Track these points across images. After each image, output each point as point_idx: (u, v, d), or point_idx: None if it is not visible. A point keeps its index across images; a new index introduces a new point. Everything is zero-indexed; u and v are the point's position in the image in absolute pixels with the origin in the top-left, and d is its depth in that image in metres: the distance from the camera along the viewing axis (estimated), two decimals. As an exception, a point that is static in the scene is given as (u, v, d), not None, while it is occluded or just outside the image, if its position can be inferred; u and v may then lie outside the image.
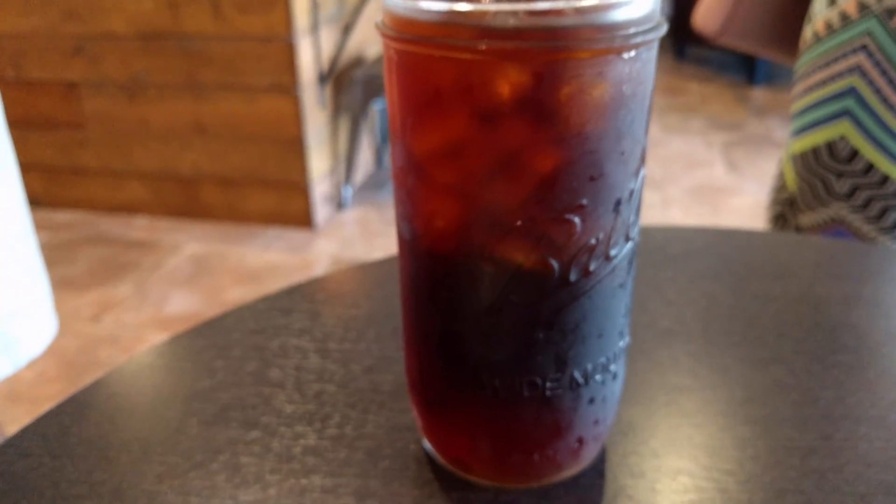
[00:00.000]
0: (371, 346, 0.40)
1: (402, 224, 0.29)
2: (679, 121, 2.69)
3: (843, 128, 0.68)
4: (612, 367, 0.30)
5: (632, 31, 0.23)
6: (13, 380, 1.35)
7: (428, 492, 0.31)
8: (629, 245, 0.28)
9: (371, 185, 2.20)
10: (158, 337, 1.49)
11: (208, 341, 0.41)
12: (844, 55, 0.67)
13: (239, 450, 0.33)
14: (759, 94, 2.98)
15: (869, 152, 0.66)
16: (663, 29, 0.24)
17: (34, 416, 0.36)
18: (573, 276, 0.26)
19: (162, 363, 0.40)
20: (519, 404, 0.28)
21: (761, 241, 0.54)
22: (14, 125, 0.91)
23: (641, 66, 0.24)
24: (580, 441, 0.30)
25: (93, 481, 0.32)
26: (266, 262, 1.81)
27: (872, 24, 0.64)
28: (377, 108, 2.17)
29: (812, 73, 0.71)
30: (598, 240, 0.26)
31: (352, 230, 1.96)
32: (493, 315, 0.27)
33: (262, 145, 1.90)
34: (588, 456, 0.31)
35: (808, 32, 0.72)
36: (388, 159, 2.33)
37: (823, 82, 0.69)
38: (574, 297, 0.27)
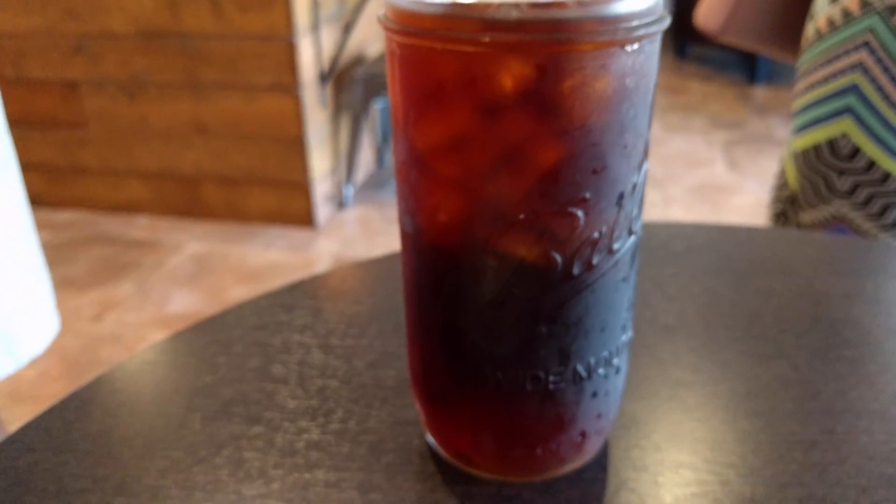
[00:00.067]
0: (374, 342, 0.40)
1: (405, 218, 0.29)
2: (680, 119, 2.69)
3: (845, 125, 0.68)
4: (615, 361, 0.30)
5: (635, 23, 0.23)
6: (15, 379, 1.35)
7: (431, 486, 0.31)
8: (632, 239, 0.28)
9: (372, 185, 2.20)
10: (160, 336, 1.49)
11: (211, 337, 0.41)
12: (846, 52, 0.66)
13: (242, 445, 0.33)
14: (760, 92, 2.97)
15: (870, 149, 0.66)
16: (666, 21, 0.24)
17: (36, 414, 0.36)
18: (576, 270, 0.26)
19: (164, 359, 0.40)
20: (522, 398, 0.28)
21: (763, 237, 0.54)
22: (14, 125, 0.91)
23: (644, 58, 0.24)
24: (583, 435, 0.30)
25: (96, 476, 0.32)
26: (267, 261, 1.81)
27: (875, 21, 0.64)
28: (378, 107, 2.17)
29: (814, 71, 0.71)
30: (601, 233, 0.26)
31: (353, 229, 1.96)
32: (496, 309, 0.27)
33: (263, 144, 1.90)
34: (591, 450, 0.31)
35: (810, 29, 0.72)
36: (389, 158, 2.33)
37: (825, 79, 0.69)
38: (577, 291, 0.27)
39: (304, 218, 1.95)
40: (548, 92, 0.23)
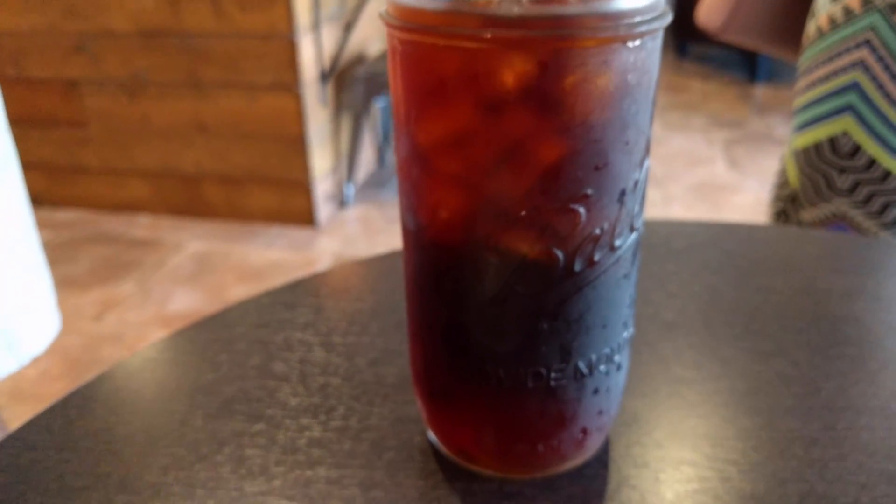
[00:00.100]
0: (375, 340, 0.40)
1: (407, 215, 0.29)
2: (680, 118, 2.69)
3: (846, 123, 0.68)
4: (617, 358, 0.30)
5: (637, 19, 0.23)
6: (17, 378, 1.35)
7: (433, 482, 0.31)
8: (634, 235, 0.28)
9: (373, 183, 2.20)
10: (161, 335, 1.49)
11: (212, 335, 0.41)
12: (847, 50, 0.66)
13: (244, 442, 0.33)
14: (760, 91, 2.97)
15: (871, 148, 0.66)
16: (668, 18, 0.24)
17: (38, 412, 0.36)
18: (578, 267, 0.26)
19: (166, 357, 0.40)
20: (523, 395, 0.29)
21: (763, 234, 0.54)
22: (15, 124, 0.91)
23: (646, 55, 0.24)
24: (584, 431, 0.30)
25: (98, 473, 0.32)
26: (268, 260, 1.81)
27: (876, 19, 0.64)
28: (379, 105, 2.17)
29: (815, 69, 0.71)
30: (602, 230, 0.26)
31: (354, 228, 1.96)
32: (497, 306, 0.27)
33: (264, 143, 1.90)
34: (592, 446, 0.31)
35: (811, 28, 0.72)
36: (389, 157, 2.33)
37: (826, 77, 0.69)
38: (578, 288, 0.27)
39: (305, 217, 1.95)
40: (549, 88, 0.23)
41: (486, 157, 0.25)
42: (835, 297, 0.44)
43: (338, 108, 2.00)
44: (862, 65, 0.65)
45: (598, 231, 0.26)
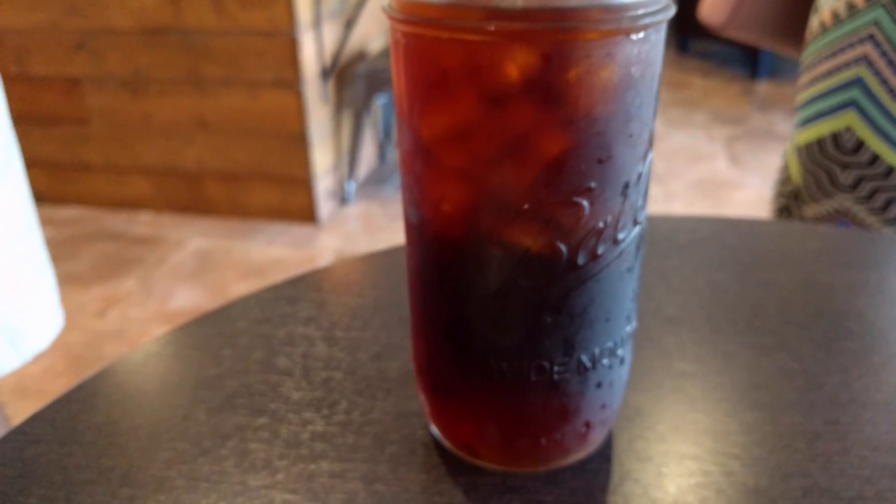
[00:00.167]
0: (378, 334, 0.40)
1: (410, 209, 0.29)
2: (682, 115, 2.68)
3: (849, 119, 0.67)
4: (620, 352, 0.30)
5: (640, 11, 0.23)
6: (20, 374, 1.35)
7: (435, 476, 0.31)
8: (637, 229, 0.28)
9: (374, 180, 2.20)
10: (163, 332, 1.49)
11: (215, 330, 0.41)
12: (851, 45, 0.66)
13: (247, 436, 0.33)
14: (762, 87, 2.97)
15: (874, 143, 0.66)
16: (672, 10, 0.24)
17: (42, 406, 0.36)
18: (581, 260, 0.26)
19: (169, 352, 0.40)
20: (526, 388, 0.29)
21: (766, 229, 0.54)
22: (17, 121, 0.91)
23: (650, 47, 0.24)
24: (587, 425, 0.30)
25: (102, 467, 0.32)
26: (270, 257, 1.81)
27: (879, 14, 0.64)
28: (380, 102, 2.17)
29: (818, 64, 0.71)
30: (606, 223, 0.26)
31: (355, 225, 1.96)
32: (500, 299, 0.27)
33: (266, 140, 1.90)
34: (595, 440, 0.31)
35: (814, 22, 0.72)
36: (391, 154, 2.33)
37: (829, 73, 0.69)
38: (582, 281, 0.27)
39: (306, 214, 1.95)
40: (553, 81, 0.23)
41: (490, 150, 0.25)
42: (838, 292, 0.44)
43: (339, 105, 2.00)
44: (865, 60, 0.65)
45: (601, 224, 0.26)
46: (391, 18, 0.25)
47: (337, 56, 1.89)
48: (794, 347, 0.39)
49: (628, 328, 0.30)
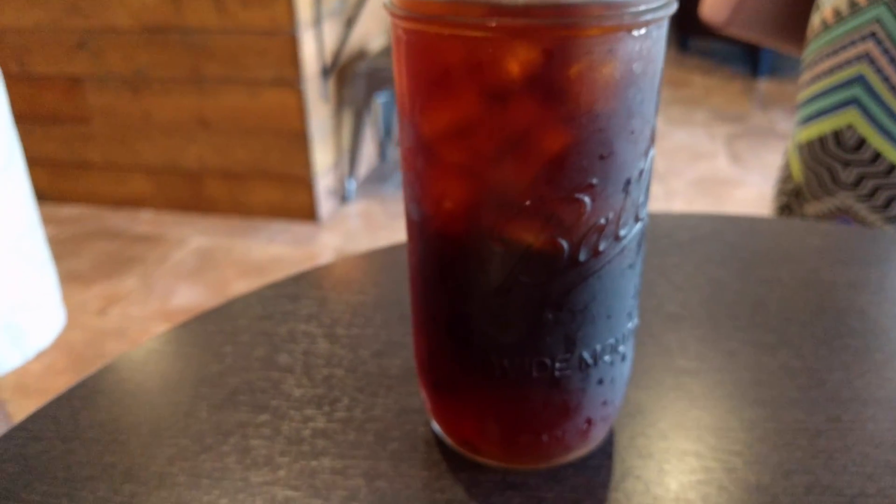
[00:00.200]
0: (379, 332, 0.40)
1: (411, 206, 0.29)
2: (682, 113, 2.68)
3: (851, 116, 0.67)
4: (621, 348, 0.30)
5: (642, 7, 0.23)
6: (21, 372, 1.35)
7: (436, 473, 0.31)
8: (638, 225, 0.28)
9: (375, 179, 2.20)
10: (164, 330, 1.49)
11: (216, 327, 0.41)
12: (853, 43, 0.66)
13: (249, 433, 0.34)
14: (762, 85, 2.96)
15: (876, 141, 0.66)
16: (673, 6, 0.24)
17: (44, 403, 0.36)
18: (583, 256, 0.26)
19: (170, 349, 0.40)
20: (528, 385, 0.29)
21: (767, 227, 0.54)
22: (18, 120, 0.91)
23: (651, 44, 0.24)
24: (589, 422, 0.30)
25: (104, 463, 0.32)
26: (270, 255, 1.81)
27: (881, 11, 0.64)
28: (380, 101, 2.17)
29: (819, 62, 0.70)
30: (607, 219, 0.26)
31: (356, 223, 1.96)
32: (502, 296, 0.27)
33: (266, 139, 1.90)
34: (596, 437, 0.31)
35: (815, 20, 0.72)
36: (391, 152, 2.33)
37: (831, 70, 0.69)
38: (583, 278, 0.27)
39: (306, 212, 1.95)
40: (554, 77, 0.23)
41: (491, 146, 0.25)
42: (839, 289, 0.44)
43: (339, 104, 2.00)
44: (867, 57, 0.65)
45: (603, 221, 0.26)
46: (393, 15, 0.25)
47: (337, 54, 1.89)
48: (795, 344, 0.39)
49: (630, 325, 0.30)
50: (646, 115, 0.26)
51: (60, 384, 1.36)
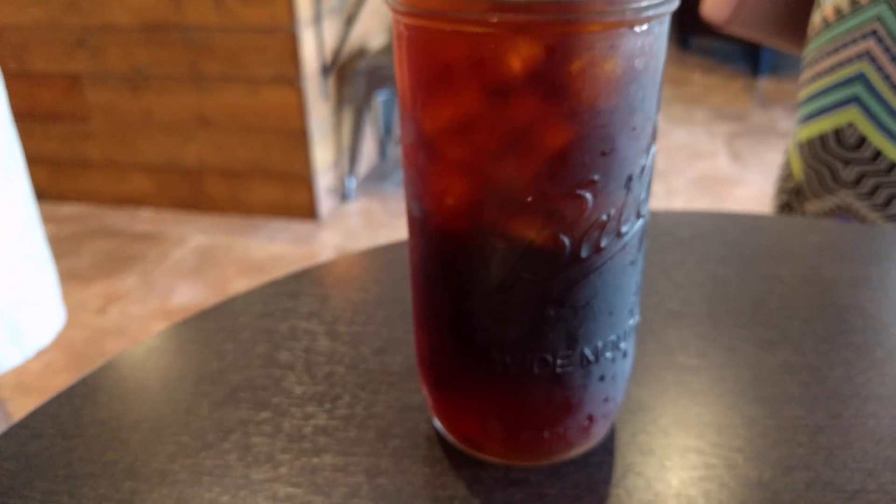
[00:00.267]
0: (380, 329, 0.40)
1: (413, 203, 0.29)
2: (683, 111, 2.68)
3: (852, 114, 0.67)
4: (623, 345, 0.30)
5: (644, 3, 0.23)
6: (21, 371, 1.35)
7: (438, 470, 0.31)
8: (640, 222, 0.28)
9: (375, 177, 2.20)
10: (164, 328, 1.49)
11: (217, 325, 0.41)
12: (854, 41, 0.66)
13: (250, 430, 0.34)
14: (763, 84, 2.96)
15: (877, 139, 0.66)
16: (675, 2, 0.24)
17: (44, 401, 0.36)
18: (584, 253, 0.26)
19: (171, 346, 0.40)
20: (529, 382, 0.29)
21: (768, 224, 0.54)
22: (18, 118, 0.91)
23: (653, 40, 0.24)
24: (590, 418, 0.30)
25: (105, 461, 0.32)
26: (271, 253, 1.81)
27: (882, 9, 0.63)
28: (381, 99, 2.17)
29: (820, 60, 0.70)
30: (609, 216, 0.26)
31: (356, 222, 1.96)
32: (504, 292, 0.27)
33: (266, 137, 1.90)
34: (598, 434, 0.31)
35: (816, 18, 0.72)
36: (391, 151, 2.33)
37: (832, 68, 0.69)
38: (585, 274, 0.27)
39: (306, 210, 1.95)
40: (556, 73, 0.23)
41: (493, 142, 0.25)
42: (840, 287, 0.44)
43: (339, 102, 2.00)
44: (868, 55, 0.65)
45: (604, 217, 0.26)
46: (394, 11, 0.25)
47: (337, 52, 1.89)
48: (796, 341, 0.39)
49: (631, 321, 0.30)
50: (647, 111, 0.26)
51: (60, 382, 1.36)
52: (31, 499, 0.30)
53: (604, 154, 0.25)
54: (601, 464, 0.31)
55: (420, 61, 0.25)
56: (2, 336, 0.69)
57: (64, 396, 0.36)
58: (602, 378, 0.29)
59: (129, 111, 1.96)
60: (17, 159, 0.69)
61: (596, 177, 0.25)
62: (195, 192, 2.01)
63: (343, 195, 2.06)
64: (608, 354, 0.29)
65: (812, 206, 0.72)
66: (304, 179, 1.91)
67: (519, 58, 0.23)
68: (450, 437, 0.32)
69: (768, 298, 0.43)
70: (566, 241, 0.26)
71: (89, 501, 0.30)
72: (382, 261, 0.49)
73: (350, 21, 1.91)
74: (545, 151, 0.25)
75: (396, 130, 2.30)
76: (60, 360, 1.43)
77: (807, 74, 0.73)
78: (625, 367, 0.31)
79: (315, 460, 0.32)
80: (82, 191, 2.10)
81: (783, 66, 3.05)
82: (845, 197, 0.69)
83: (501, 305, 0.27)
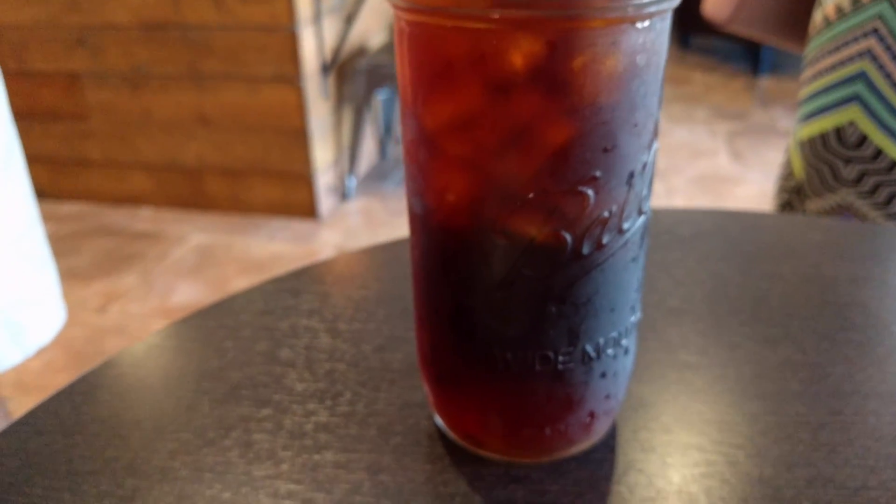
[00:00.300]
0: (381, 326, 0.40)
1: (414, 199, 0.29)
2: (683, 110, 2.68)
3: (853, 113, 0.67)
4: (624, 342, 0.30)
5: (646, 0, 0.23)
6: (21, 369, 1.35)
7: (440, 467, 0.31)
8: (642, 219, 0.28)
9: (375, 176, 2.20)
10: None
11: (217, 322, 0.41)
12: (855, 39, 0.66)
13: (251, 427, 0.34)
14: (763, 83, 2.96)
15: (878, 138, 0.66)
16: (677, -2, 0.24)
17: (45, 398, 0.36)
18: (586, 250, 0.26)
19: (172, 344, 0.40)
20: (531, 378, 0.29)
21: (769, 222, 0.54)
22: (17, 117, 0.91)
23: (655, 36, 0.24)
24: (592, 415, 0.30)
25: (106, 458, 0.32)
26: (270, 252, 1.81)
27: (884, 8, 0.63)
28: (381, 98, 2.17)
29: (821, 58, 0.70)
30: (610, 213, 0.26)
31: (356, 220, 1.96)
32: (505, 289, 0.27)
33: (266, 136, 1.90)
34: (599, 430, 0.31)
35: (818, 17, 0.72)
36: (391, 149, 2.33)
37: (833, 67, 0.69)
38: (586, 271, 0.27)
39: (307, 209, 1.95)
40: (558, 69, 0.23)
41: (494, 139, 0.25)
42: (841, 284, 0.44)
43: (339, 101, 2.00)
44: (869, 54, 0.65)
45: (606, 214, 0.26)
46: (395, 7, 0.25)
47: (337, 51, 1.89)
48: (797, 339, 0.39)
49: (633, 318, 0.30)
50: (649, 107, 0.26)
51: (60, 381, 1.36)
52: (32, 496, 0.30)
53: (605, 150, 0.25)
54: (602, 461, 0.31)
55: (421, 57, 0.25)
56: (2, 335, 0.69)
57: (65, 394, 0.36)
58: (603, 375, 0.29)
59: (128, 110, 1.95)
60: (17, 158, 0.69)
61: (597, 173, 0.25)
62: (195, 190, 2.01)
63: (343, 194, 2.06)
64: (610, 351, 0.29)
65: (813, 204, 0.72)
66: (303, 178, 1.91)
67: (520, 54, 0.23)
68: (451, 434, 0.32)
69: (769, 296, 0.43)
70: (568, 237, 0.26)
71: (90, 498, 0.30)
72: (383, 258, 0.49)
73: (350, 20, 1.91)
74: (546, 148, 0.25)
75: (396, 129, 2.30)
76: (60, 358, 1.43)
77: (808, 73, 0.73)
78: (626, 363, 0.31)
79: (316, 457, 0.32)
80: (82, 190, 2.10)
81: (784, 65, 3.04)
82: (846, 195, 0.69)
83: (503, 302, 0.27)
